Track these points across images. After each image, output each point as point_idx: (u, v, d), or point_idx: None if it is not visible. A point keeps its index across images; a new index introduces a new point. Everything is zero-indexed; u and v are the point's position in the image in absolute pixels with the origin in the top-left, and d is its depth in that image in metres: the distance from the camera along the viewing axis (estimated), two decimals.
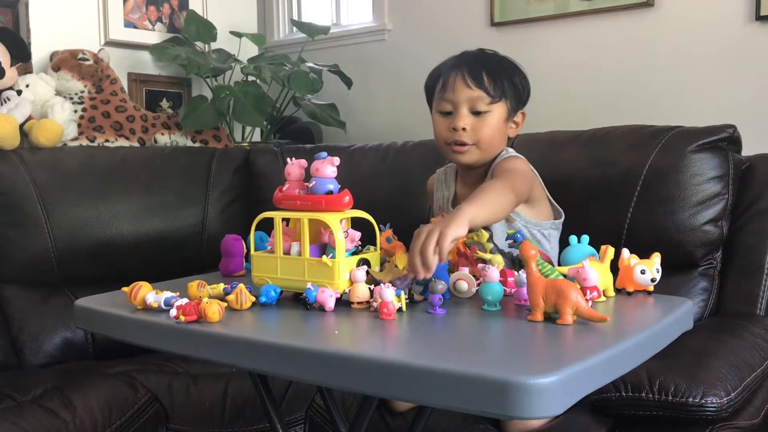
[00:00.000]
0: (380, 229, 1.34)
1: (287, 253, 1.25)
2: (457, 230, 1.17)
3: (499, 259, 1.26)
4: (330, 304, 1.15)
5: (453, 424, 1.46)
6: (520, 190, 1.42)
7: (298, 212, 1.24)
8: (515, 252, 1.40)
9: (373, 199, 1.67)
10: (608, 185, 1.76)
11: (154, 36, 2.67)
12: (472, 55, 1.55)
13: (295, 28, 3.24)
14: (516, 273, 1.21)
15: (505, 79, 1.51)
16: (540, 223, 1.53)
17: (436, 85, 1.55)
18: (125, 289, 1.22)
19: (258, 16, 3.11)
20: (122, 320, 1.20)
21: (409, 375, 0.88)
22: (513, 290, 1.21)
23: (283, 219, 1.26)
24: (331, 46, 3.13)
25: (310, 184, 1.24)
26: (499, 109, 1.51)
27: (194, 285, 1.21)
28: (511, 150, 1.59)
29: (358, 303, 1.17)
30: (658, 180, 1.70)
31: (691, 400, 1.30)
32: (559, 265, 1.25)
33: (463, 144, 1.51)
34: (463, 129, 1.49)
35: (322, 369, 0.96)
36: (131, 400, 1.69)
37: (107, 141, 2.36)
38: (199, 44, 2.71)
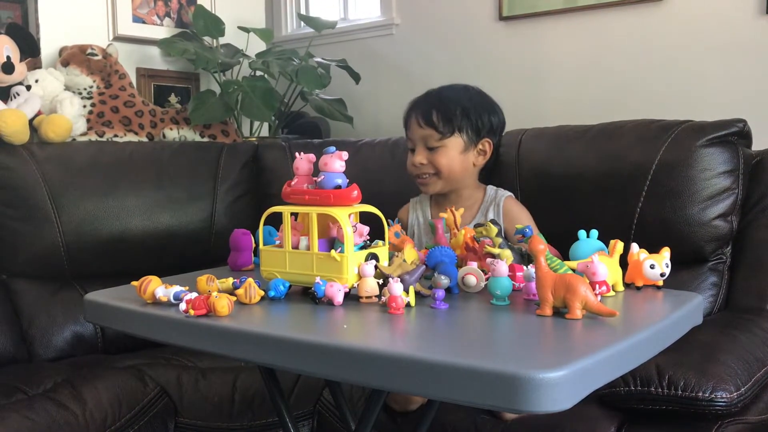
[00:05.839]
0: (389, 224, 1.34)
1: (296, 247, 1.25)
2: None
3: (508, 253, 1.26)
4: (339, 298, 1.15)
5: (458, 418, 1.47)
6: None
7: (307, 207, 1.24)
8: (524, 247, 1.40)
9: (381, 194, 1.67)
10: (617, 180, 1.75)
11: (162, 31, 2.68)
12: (428, 96, 1.70)
13: (302, 23, 3.24)
14: (525, 267, 1.21)
15: (456, 116, 1.63)
16: None
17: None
18: (134, 283, 1.22)
19: (266, 11, 3.11)
20: (132, 314, 1.20)
21: (417, 369, 0.88)
22: (522, 285, 1.21)
23: (292, 213, 1.26)
24: (339, 40, 3.12)
25: (319, 179, 1.24)
26: (452, 143, 1.64)
27: (203, 279, 1.21)
28: (504, 191, 1.71)
29: (367, 297, 1.17)
30: (668, 174, 1.69)
31: (700, 394, 1.29)
32: (568, 259, 1.25)
33: (423, 176, 1.66)
34: (421, 164, 1.65)
35: (330, 363, 0.96)
36: (140, 394, 1.69)
37: (116, 136, 2.36)
38: (207, 39, 2.71)
